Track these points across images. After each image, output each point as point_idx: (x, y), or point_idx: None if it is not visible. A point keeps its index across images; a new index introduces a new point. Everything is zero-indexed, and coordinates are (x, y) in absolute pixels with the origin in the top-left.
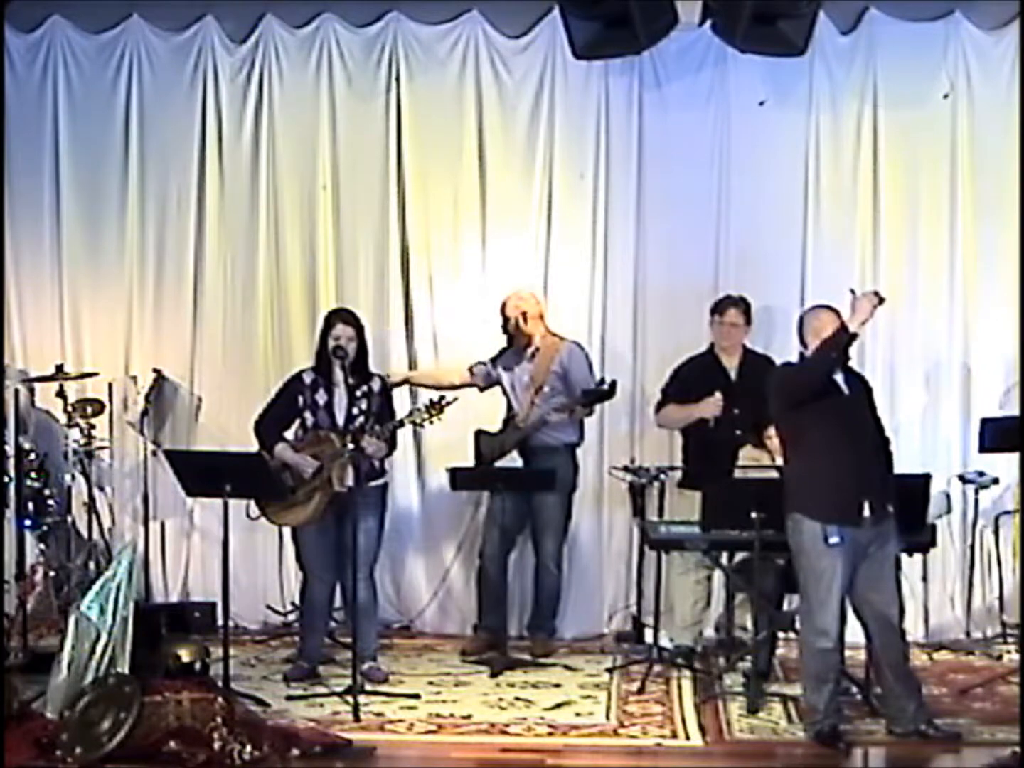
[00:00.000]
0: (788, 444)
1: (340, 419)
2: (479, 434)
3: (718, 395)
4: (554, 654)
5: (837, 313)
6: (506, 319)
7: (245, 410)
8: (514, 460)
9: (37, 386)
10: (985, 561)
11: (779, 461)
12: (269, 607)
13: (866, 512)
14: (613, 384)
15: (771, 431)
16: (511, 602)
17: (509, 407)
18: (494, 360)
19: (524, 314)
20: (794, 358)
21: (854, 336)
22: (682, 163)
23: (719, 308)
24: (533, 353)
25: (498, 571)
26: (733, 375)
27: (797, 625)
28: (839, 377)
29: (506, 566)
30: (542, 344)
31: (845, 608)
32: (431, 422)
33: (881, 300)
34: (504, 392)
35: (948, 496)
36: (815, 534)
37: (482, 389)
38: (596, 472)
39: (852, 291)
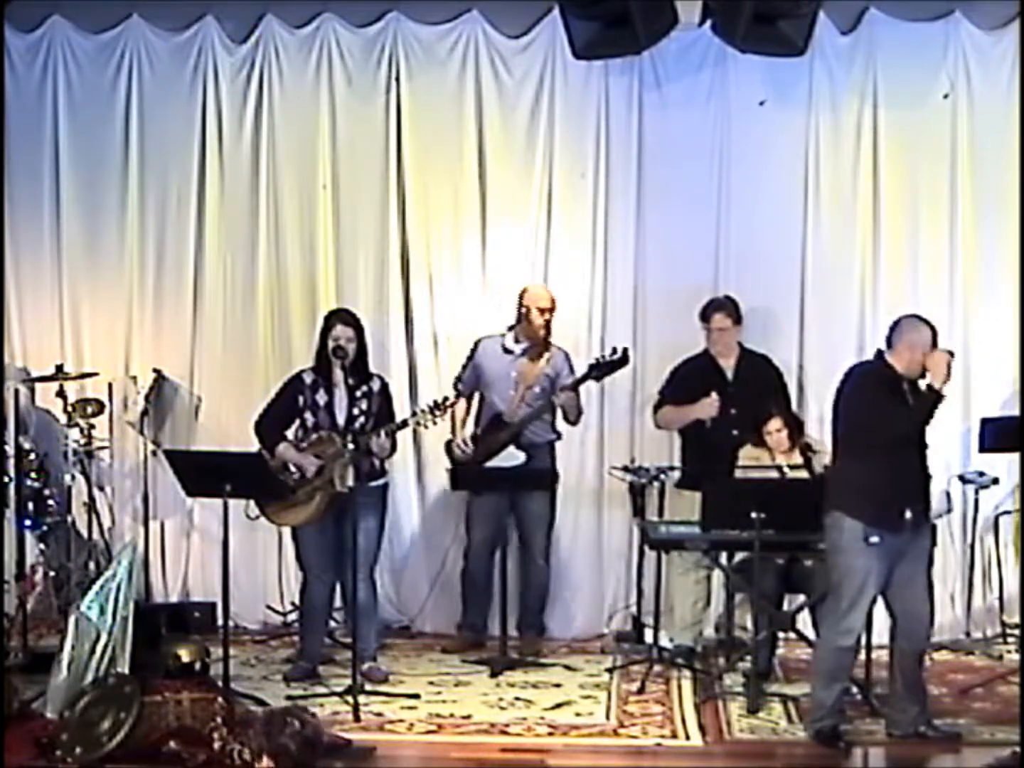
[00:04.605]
0: (841, 442)
1: (340, 419)
2: (452, 441)
3: (714, 396)
4: (543, 652)
5: (934, 331)
6: (541, 310)
7: (245, 410)
8: (513, 456)
9: (37, 386)
10: (985, 561)
11: (779, 459)
12: (269, 607)
13: (907, 516)
14: (625, 352)
15: (770, 427)
16: (505, 601)
17: (479, 404)
18: (482, 341)
19: (552, 312)
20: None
21: (942, 398)
22: (682, 163)
23: (704, 315)
24: (538, 353)
25: (483, 570)
26: (730, 375)
27: (797, 625)
28: (905, 385)
29: (491, 565)
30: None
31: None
32: (434, 422)
33: (952, 355)
34: (485, 386)
35: (948, 496)
36: (855, 533)
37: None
38: (596, 472)
39: (925, 353)
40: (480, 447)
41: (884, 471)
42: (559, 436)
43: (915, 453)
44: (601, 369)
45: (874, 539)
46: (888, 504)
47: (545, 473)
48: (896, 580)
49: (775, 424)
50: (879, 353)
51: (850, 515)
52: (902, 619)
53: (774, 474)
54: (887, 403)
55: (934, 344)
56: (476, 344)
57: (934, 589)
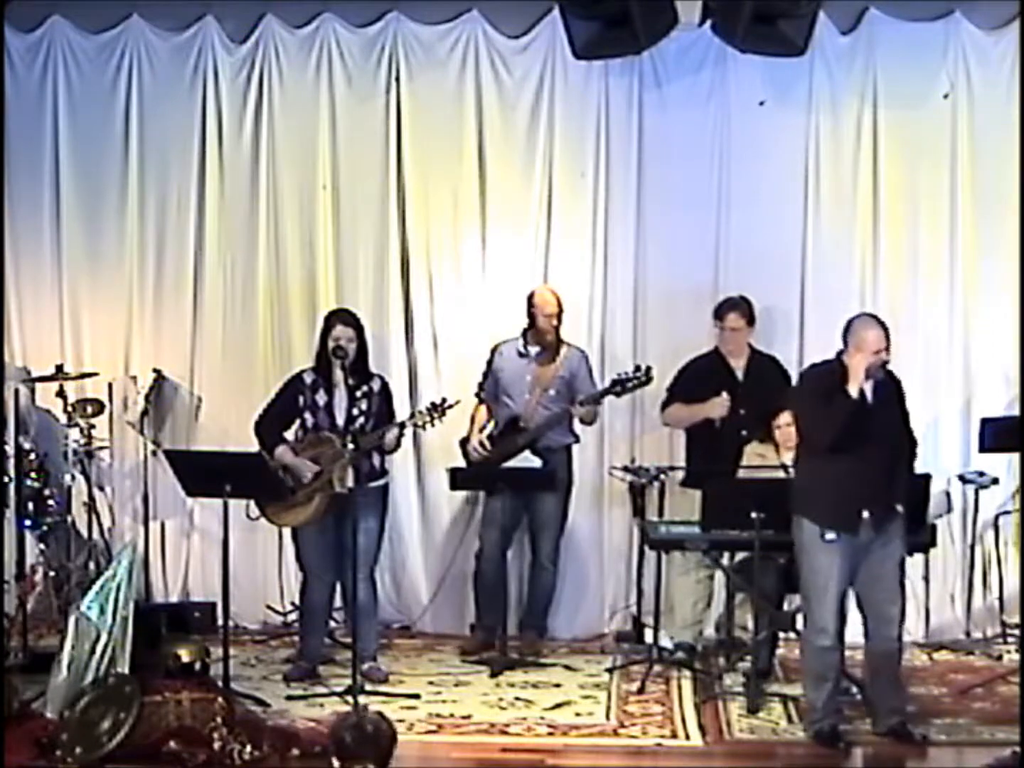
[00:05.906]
0: (801, 443)
1: (340, 420)
2: (468, 441)
3: (725, 396)
4: (543, 652)
5: (886, 330)
6: (548, 316)
7: (245, 410)
8: (529, 460)
9: (37, 386)
10: (985, 561)
11: (785, 456)
12: (269, 607)
13: (865, 515)
14: (648, 370)
15: (780, 420)
16: (507, 601)
17: (489, 409)
18: (499, 347)
19: (560, 316)
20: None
21: (852, 402)
22: (682, 163)
23: (719, 314)
24: (550, 357)
25: (496, 571)
26: (740, 375)
27: (797, 625)
28: (867, 385)
29: (504, 566)
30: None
31: (846, 607)
32: (432, 424)
33: (883, 362)
34: (502, 390)
35: (948, 496)
36: (813, 531)
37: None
38: (596, 472)
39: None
40: (495, 449)
41: (836, 471)
42: (577, 439)
43: (875, 452)
44: (623, 385)
45: (830, 535)
46: (840, 504)
47: (547, 474)
48: (863, 578)
49: (785, 418)
50: (838, 353)
51: (805, 516)
52: (871, 619)
53: (778, 474)
54: (829, 404)
55: (888, 344)
56: (493, 350)
57: (905, 588)
